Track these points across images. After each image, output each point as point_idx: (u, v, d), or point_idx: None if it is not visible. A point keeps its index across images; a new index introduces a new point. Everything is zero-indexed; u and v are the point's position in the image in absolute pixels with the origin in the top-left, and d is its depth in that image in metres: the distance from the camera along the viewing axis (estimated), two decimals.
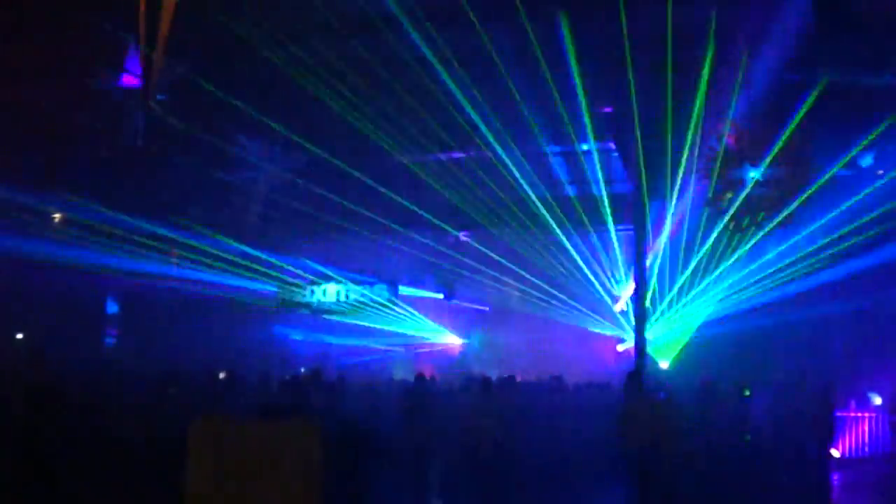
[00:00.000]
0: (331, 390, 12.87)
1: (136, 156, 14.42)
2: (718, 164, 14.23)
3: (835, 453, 13.61)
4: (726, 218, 14.72)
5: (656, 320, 18.38)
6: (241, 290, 19.84)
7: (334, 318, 20.45)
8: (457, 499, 11.56)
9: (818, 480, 12.38)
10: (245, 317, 20.82)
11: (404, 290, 19.85)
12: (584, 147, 16.96)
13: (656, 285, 17.78)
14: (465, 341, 24.86)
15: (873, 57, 13.12)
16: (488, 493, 10.63)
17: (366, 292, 18.90)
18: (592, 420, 12.10)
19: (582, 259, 20.39)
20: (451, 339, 25.34)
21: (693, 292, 18.56)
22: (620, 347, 20.72)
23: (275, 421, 7.87)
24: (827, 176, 14.30)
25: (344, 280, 19.33)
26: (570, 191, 18.15)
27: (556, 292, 21.83)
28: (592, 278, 20.80)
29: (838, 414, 13.70)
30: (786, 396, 13.04)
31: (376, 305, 19.20)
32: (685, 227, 17.26)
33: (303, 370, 17.81)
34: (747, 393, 13.27)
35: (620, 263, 20.49)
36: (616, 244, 19.91)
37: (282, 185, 16.62)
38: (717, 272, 17.87)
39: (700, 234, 17.03)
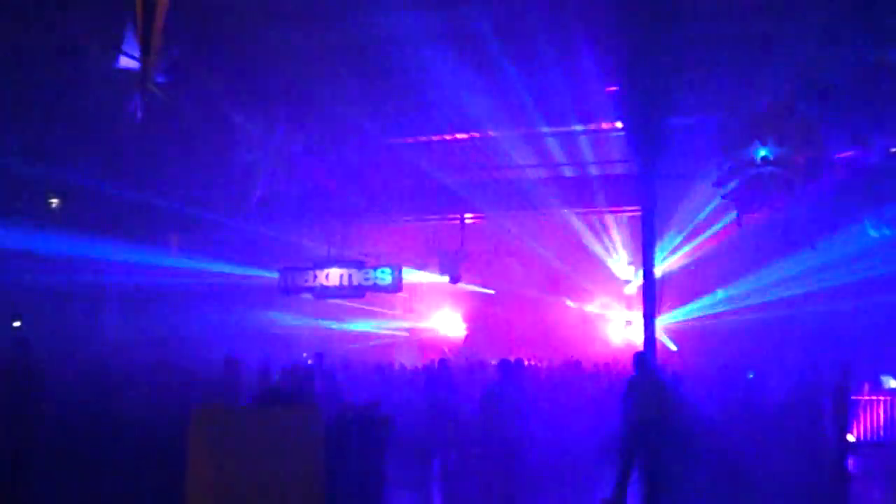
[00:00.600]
0: (332, 376, 12.86)
1: (134, 137, 14.36)
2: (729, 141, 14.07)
3: (850, 438, 13.48)
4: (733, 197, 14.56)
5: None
6: (242, 275, 19.95)
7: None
8: (467, 482, 11.51)
9: (835, 465, 12.33)
10: (246, 303, 20.82)
11: (409, 272, 19.70)
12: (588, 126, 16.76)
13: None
14: (471, 325, 24.82)
15: None
16: (501, 477, 10.83)
17: (370, 276, 18.78)
18: (607, 403, 12.31)
19: (591, 241, 20.32)
20: (457, 324, 25.30)
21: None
22: (630, 329, 20.70)
23: (275, 409, 7.83)
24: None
25: (348, 262, 19.22)
26: (576, 171, 17.98)
27: (564, 274, 21.81)
28: (602, 259, 20.79)
29: (853, 398, 13.60)
30: (799, 381, 12.94)
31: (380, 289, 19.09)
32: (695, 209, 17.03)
33: (304, 355, 17.75)
34: (751, 376, 13.24)
35: (628, 245, 20.49)
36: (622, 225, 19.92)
37: (283, 167, 16.51)
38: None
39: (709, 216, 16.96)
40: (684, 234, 17.59)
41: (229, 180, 17.17)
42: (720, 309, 18.63)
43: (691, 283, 18.74)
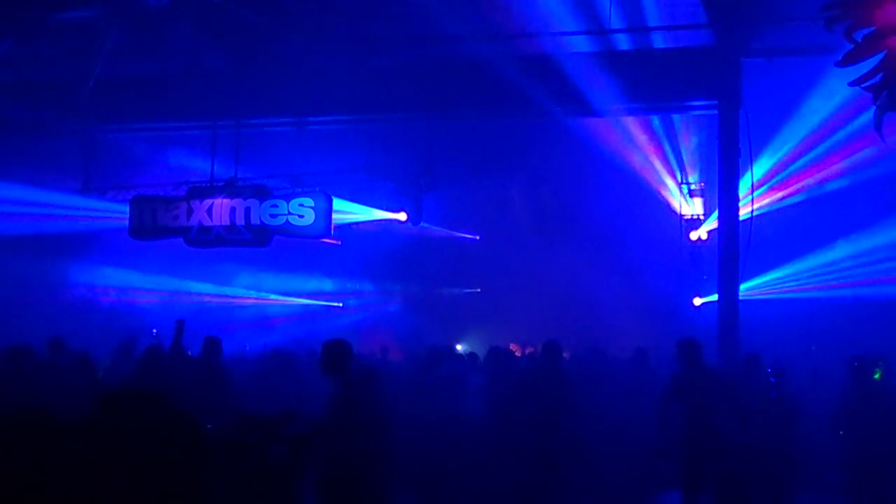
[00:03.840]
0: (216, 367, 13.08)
1: None
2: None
3: None
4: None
5: None
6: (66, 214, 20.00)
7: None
8: None
9: None
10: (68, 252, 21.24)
11: (343, 205, 19.51)
12: None
13: None
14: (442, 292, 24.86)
15: None
16: None
17: (280, 210, 18.42)
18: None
19: (632, 157, 20.15)
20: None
21: None
22: (698, 301, 20.65)
23: (126, 423, 7.41)
24: None
25: (244, 190, 18.93)
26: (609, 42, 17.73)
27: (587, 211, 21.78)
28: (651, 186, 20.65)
29: None
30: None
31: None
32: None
33: (154, 331, 17.58)
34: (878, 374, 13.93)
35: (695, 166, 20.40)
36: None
37: (136, 29, 16.20)
38: None
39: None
40: (789, 149, 17.76)
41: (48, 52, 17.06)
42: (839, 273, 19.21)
43: (798, 230, 19.14)
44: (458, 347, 21.44)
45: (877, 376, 14.00)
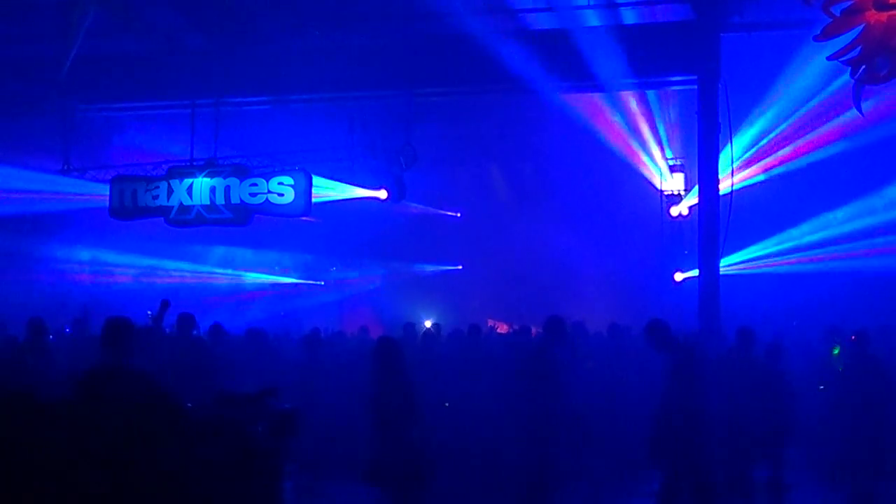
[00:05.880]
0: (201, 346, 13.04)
1: None
2: None
3: None
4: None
5: None
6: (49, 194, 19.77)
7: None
8: None
9: None
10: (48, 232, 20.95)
11: (322, 184, 19.36)
12: None
13: None
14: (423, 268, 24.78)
15: None
16: None
17: (259, 188, 18.27)
18: None
19: (612, 130, 20.08)
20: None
21: None
22: (679, 277, 20.61)
23: (112, 403, 7.37)
24: None
25: (223, 169, 18.75)
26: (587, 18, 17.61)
27: (571, 188, 21.66)
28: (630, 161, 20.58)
29: None
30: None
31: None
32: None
33: (148, 313, 17.48)
34: None
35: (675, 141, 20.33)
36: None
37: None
38: None
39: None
40: (768, 124, 17.72)
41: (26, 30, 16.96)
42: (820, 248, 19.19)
43: (779, 204, 19.10)
44: (427, 324, 21.43)
45: (835, 352, 14.26)
